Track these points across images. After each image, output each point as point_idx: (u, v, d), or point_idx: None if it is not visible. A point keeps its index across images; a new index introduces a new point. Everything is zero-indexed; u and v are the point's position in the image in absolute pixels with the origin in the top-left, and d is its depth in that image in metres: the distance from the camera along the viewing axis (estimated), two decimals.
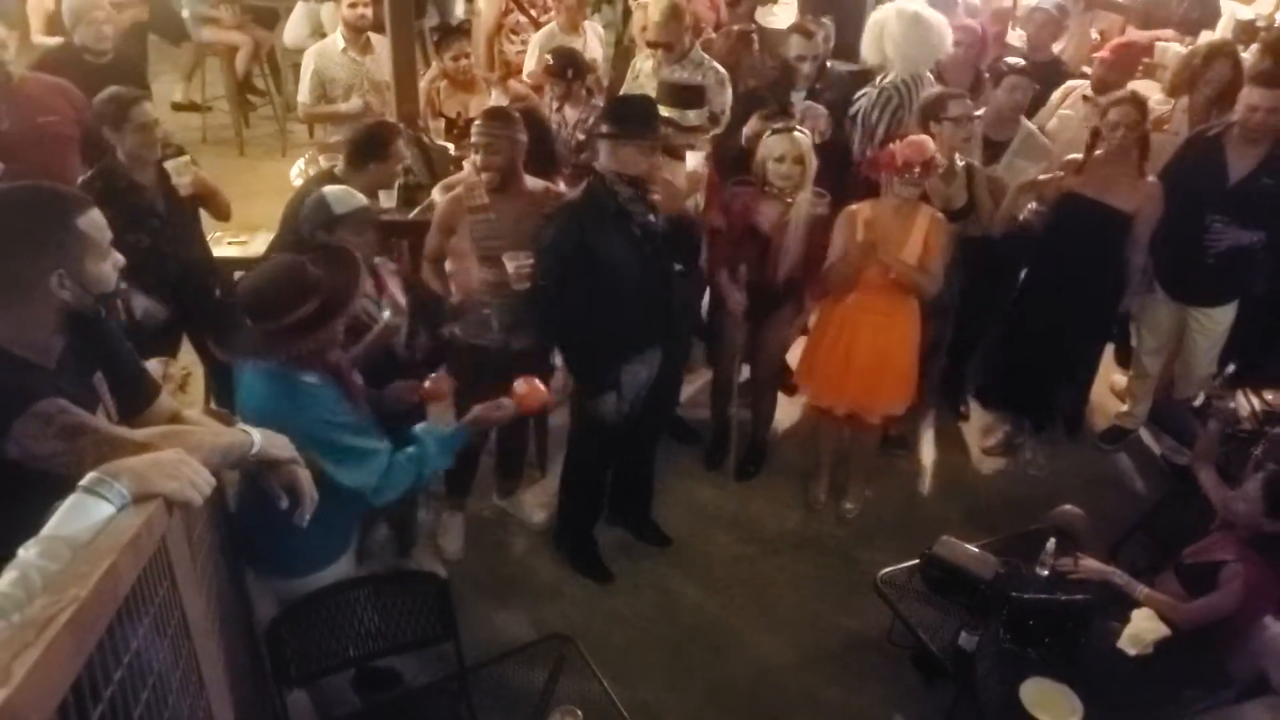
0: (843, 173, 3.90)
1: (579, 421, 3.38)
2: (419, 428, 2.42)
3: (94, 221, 1.71)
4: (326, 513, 2.07)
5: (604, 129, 2.92)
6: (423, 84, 4.65)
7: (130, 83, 4.23)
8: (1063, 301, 3.72)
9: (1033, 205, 3.68)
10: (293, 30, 6.41)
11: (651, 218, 2.97)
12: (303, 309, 2.06)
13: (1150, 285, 3.93)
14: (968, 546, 2.85)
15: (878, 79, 4.18)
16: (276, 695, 2.29)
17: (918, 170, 3.22)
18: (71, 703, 0.89)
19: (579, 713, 2.25)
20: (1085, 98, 4.25)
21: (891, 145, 3.30)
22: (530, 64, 4.93)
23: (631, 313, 2.99)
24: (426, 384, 2.55)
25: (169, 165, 3.35)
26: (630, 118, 2.90)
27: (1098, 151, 3.60)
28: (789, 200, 3.44)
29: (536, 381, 2.60)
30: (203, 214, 3.65)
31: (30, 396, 1.55)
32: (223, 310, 2.99)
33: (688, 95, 3.53)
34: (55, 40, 4.83)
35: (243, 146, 6.68)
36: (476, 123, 3.13)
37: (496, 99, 4.49)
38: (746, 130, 3.76)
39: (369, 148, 3.30)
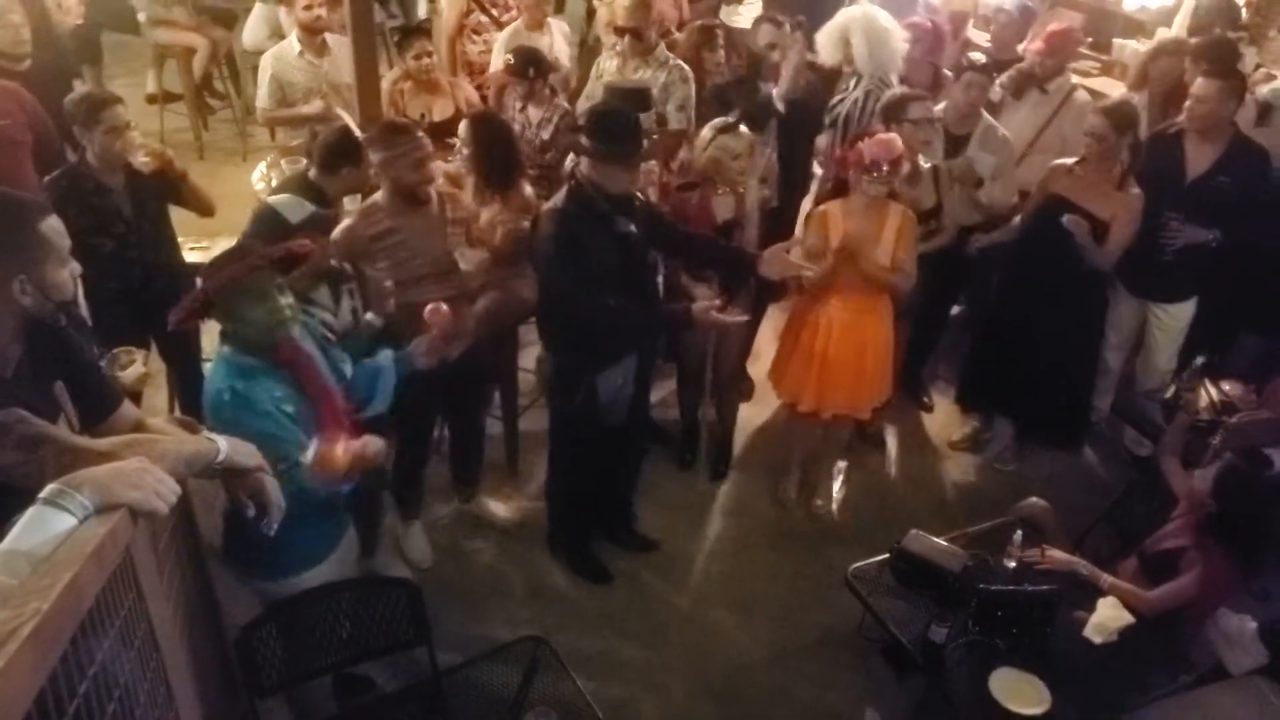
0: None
1: (556, 428, 3.38)
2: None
3: (54, 227, 1.70)
4: (304, 516, 2.10)
5: (587, 144, 2.85)
6: (385, 85, 4.59)
7: (54, 88, 4.14)
8: (1040, 303, 3.74)
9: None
10: (251, 32, 6.30)
11: (632, 227, 2.95)
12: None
13: (1112, 283, 3.99)
14: (936, 540, 2.89)
15: (850, 83, 4.21)
16: (248, 704, 2.26)
17: (886, 168, 3.25)
18: (35, 718, 0.87)
19: (554, 714, 2.26)
20: (1040, 90, 4.32)
21: (859, 144, 3.32)
22: (496, 63, 4.90)
23: (614, 322, 3.00)
24: (427, 311, 2.59)
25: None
26: (614, 136, 2.84)
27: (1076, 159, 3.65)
28: (740, 191, 3.49)
29: (442, 307, 2.63)
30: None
31: None
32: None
33: (634, 97, 3.55)
34: None
35: (202, 150, 6.55)
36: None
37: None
38: (698, 141, 3.73)
39: (340, 153, 3.23)
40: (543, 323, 3.33)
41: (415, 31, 4.73)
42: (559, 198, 2.98)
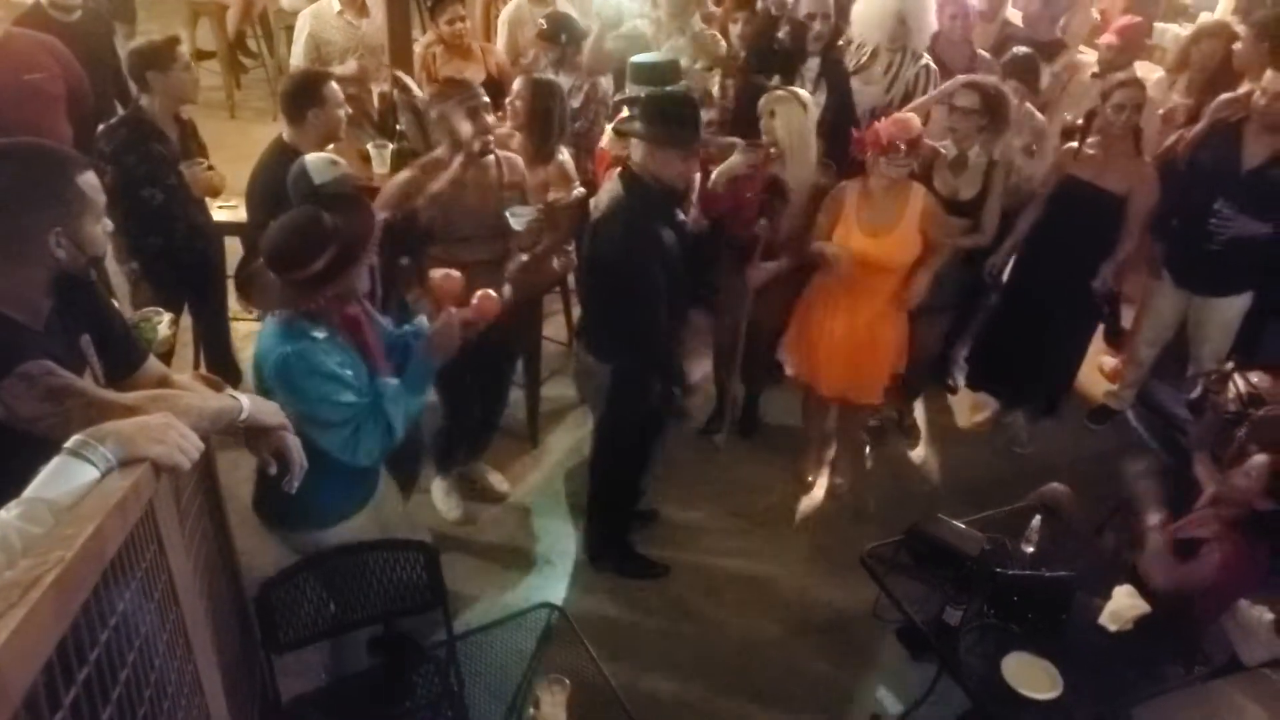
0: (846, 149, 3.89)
1: (613, 436, 3.28)
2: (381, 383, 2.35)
3: (91, 182, 1.71)
4: (332, 470, 2.17)
5: (644, 129, 2.78)
6: (418, 49, 4.57)
7: (100, 41, 4.19)
8: (1054, 284, 3.72)
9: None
10: None
11: (681, 215, 2.94)
12: (322, 259, 2.06)
13: (1158, 273, 3.92)
14: (954, 522, 2.87)
15: (894, 60, 4.13)
16: (264, 660, 2.30)
17: (904, 148, 3.19)
18: (57, 664, 0.89)
19: (566, 681, 2.27)
20: (1094, 75, 4.23)
21: (876, 124, 3.26)
22: (500, 41, 4.83)
23: (677, 303, 2.97)
24: (437, 277, 2.56)
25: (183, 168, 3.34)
26: (672, 120, 2.76)
27: (1092, 135, 3.59)
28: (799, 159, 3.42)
29: (454, 274, 2.59)
30: None
31: (17, 357, 1.53)
32: (246, 265, 2.93)
33: (661, 72, 3.50)
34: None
35: (234, 109, 6.59)
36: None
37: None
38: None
39: (301, 98, 3.13)
40: (595, 332, 3.14)
41: None
42: (615, 191, 2.87)
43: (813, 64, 3.94)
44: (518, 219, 3.03)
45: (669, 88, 3.27)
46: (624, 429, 3.22)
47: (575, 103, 4.04)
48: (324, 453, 2.18)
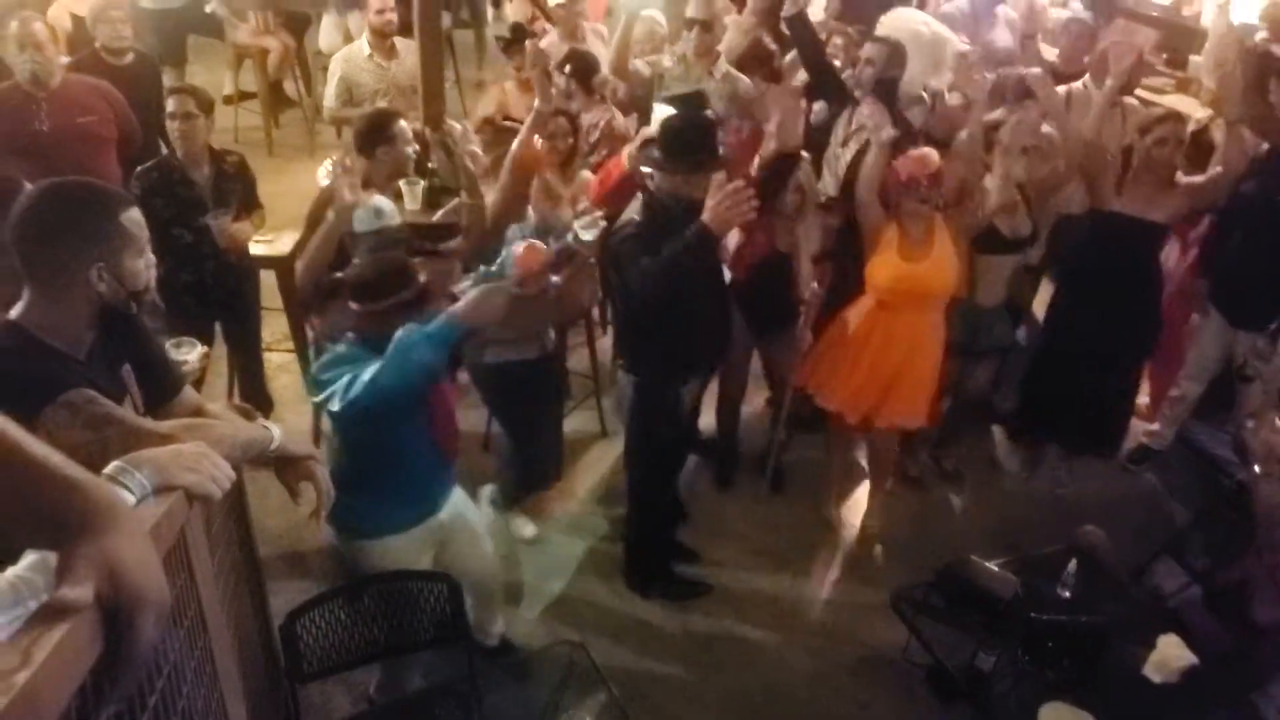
0: None
1: (641, 452, 3.30)
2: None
3: (135, 219, 1.75)
4: (374, 478, 2.35)
5: (661, 160, 2.84)
6: (492, 90, 4.75)
7: (149, 85, 4.33)
8: (1105, 321, 3.64)
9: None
10: (327, 36, 6.54)
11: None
12: (403, 294, 2.32)
13: (1204, 308, 3.86)
14: (987, 564, 2.82)
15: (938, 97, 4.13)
16: (288, 690, 2.30)
17: (924, 183, 3.19)
18: (90, 687, 0.89)
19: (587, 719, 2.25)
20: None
21: (895, 162, 3.26)
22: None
23: (696, 329, 2.99)
24: (519, 250, 2.54)
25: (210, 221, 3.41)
26: (681, 149, 2.81)
27: (1132, 171, 3.56)
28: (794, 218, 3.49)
29: (536, 243, 2.60)
30: None
31: (60, 386, 1.57)
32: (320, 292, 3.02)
33: (690, 103, 3.56)
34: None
35: (272, 147, 6.75)
36: None
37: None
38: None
39: (374, 134, 3.34)
40: (624, 343, 3.31)
41: (518, 39, 4.83)
42: (635, 212, 2.99)
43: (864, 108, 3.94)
44: (587, 230, 2.96)
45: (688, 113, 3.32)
46: (646, 443, 3.26)
47: (593, 138, 4.11)
48: (368, 463, 2.36)
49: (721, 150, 3.05)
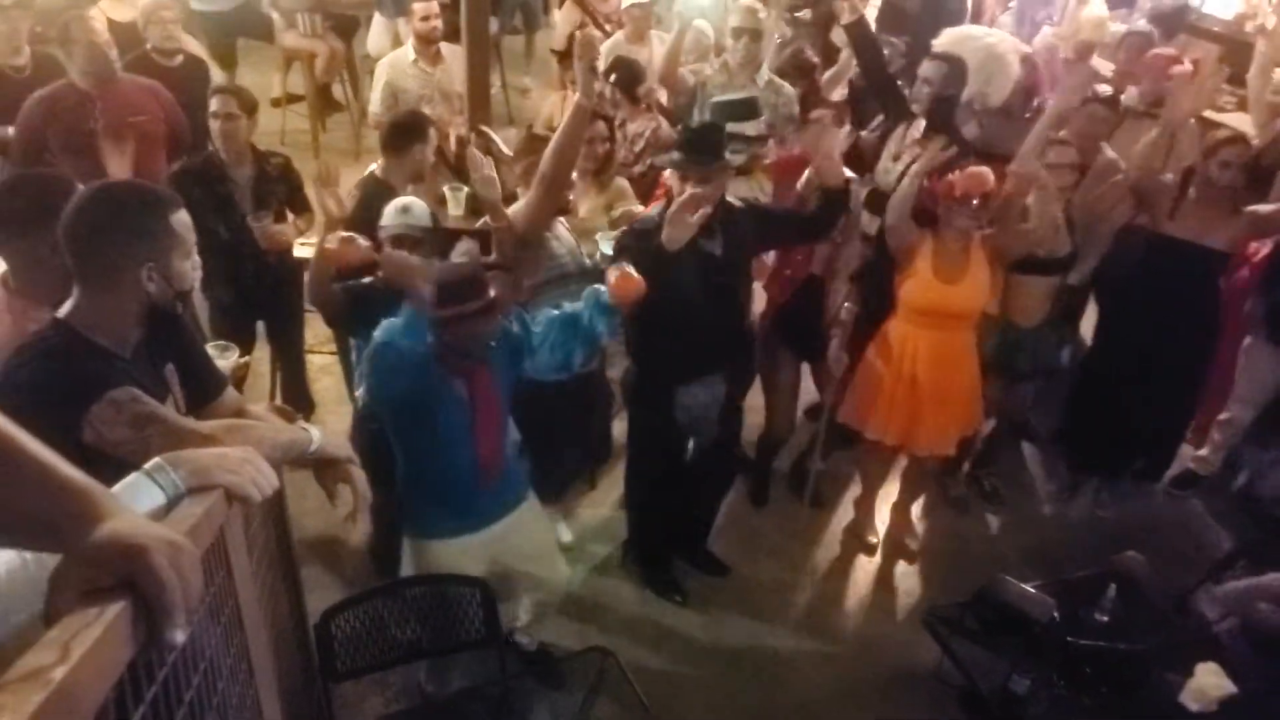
0: None
1: (633, 437, 3.38)
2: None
3: (183, 221, 1.79)
4: (423, 478, 2.49)
5: (674, 159, 2.93)
6: (553, 97, 4.76)
7: (199, 86, 4.43)
8: (1156, 348, 3.57)
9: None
10: (375, 39, 6.59)
11: (717, 251, 2.96)
12: (476, 302, 2.35)
13: (1259, 330, 3.77)
14: (1024, 586, 2.78)
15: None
16: (322, 688, 2.33)
17: (976, 202, 3.16)
18: (128, 681, 0.91)
19: None
20: (1138, 114, 4.12)
21: (950, 175, 3.22)
22: None
23: (692, 335, 2.99)
24: (612, 279, 2.58)
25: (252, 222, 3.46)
26: (691, 147, 2.90)
27: (1192, 192, 3.48)
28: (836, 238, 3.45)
29: (627, 268, 2.62)
30: None
31: (106, 384, 1.61)
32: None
33: (742, 108, 3.55)
34: None
35: (318, 150, 6.85)
36: None
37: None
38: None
39: (409, 133, 3.40)
40: (628, 330, 3.31)
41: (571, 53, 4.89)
42: (655, 211, 3.02)
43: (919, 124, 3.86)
44: (609, 242, 3.07)
45: (709, 120, 3.38)
46: (636, 428, 3.33)
47: (637, 148, 4.11)
48: (420, 465, 2.48)
49: (741, 157, 3.15)
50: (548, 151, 2.91)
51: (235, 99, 3.52)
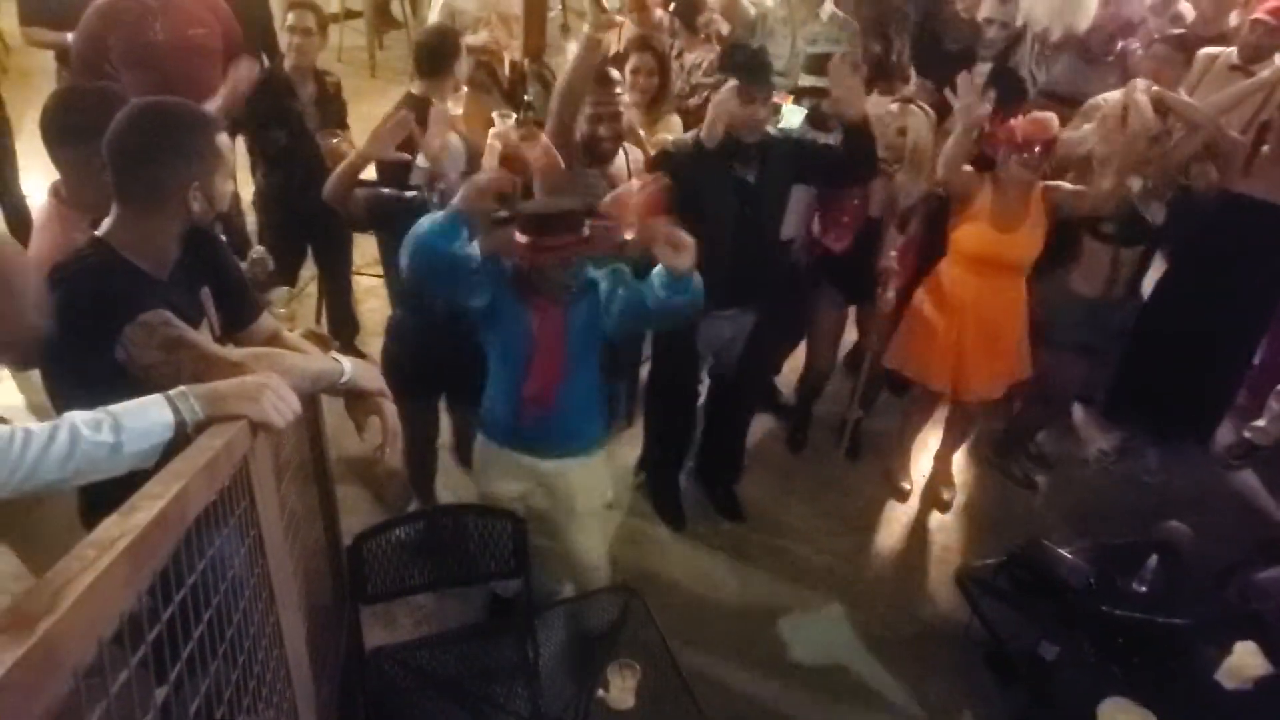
0: None
1: (655, 362, 3.42)
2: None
3: (225, 141, 1.80)
4: (493, 375, 2.51)
5: (711, 79, 2.92)
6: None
7: (258, 3, 4.38)
8: (1220, 308, 3.44)
9: None
10: None
11: (750, 177, 2.90)
12: (569, 236, 2.26)
13: None
14: (1061, 550, 2.72)
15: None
16: (351, 610, 2.39)
17: (1038, 149, 3.01)
18: (158, 587, 0.94)
19: (636, 667, 2.27)
20: (1233, 67, 3.84)
21: (1013, 121, 3.08)
22: None
23: (717, 264, 2.91)
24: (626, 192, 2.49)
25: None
26: (735, 67, 2.84)
27: (1265, 148, 3.28)
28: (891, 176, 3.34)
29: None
30: None
31: (140, 305, 1.61)
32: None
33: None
34: None
35: (374, 68, 6.80)
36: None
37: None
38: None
39: (446, 51, 3.29)
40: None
41: None
42: (683, 138, 3.00)
43: (983, 69, 3.73)
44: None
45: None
46: (656, 353, 3.36)
47: (695, 79, 3.99)
48: (492, 364, 2.49)
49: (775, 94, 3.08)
50: (555, 88, 2.85)
51: (313, 13, 3.49)
